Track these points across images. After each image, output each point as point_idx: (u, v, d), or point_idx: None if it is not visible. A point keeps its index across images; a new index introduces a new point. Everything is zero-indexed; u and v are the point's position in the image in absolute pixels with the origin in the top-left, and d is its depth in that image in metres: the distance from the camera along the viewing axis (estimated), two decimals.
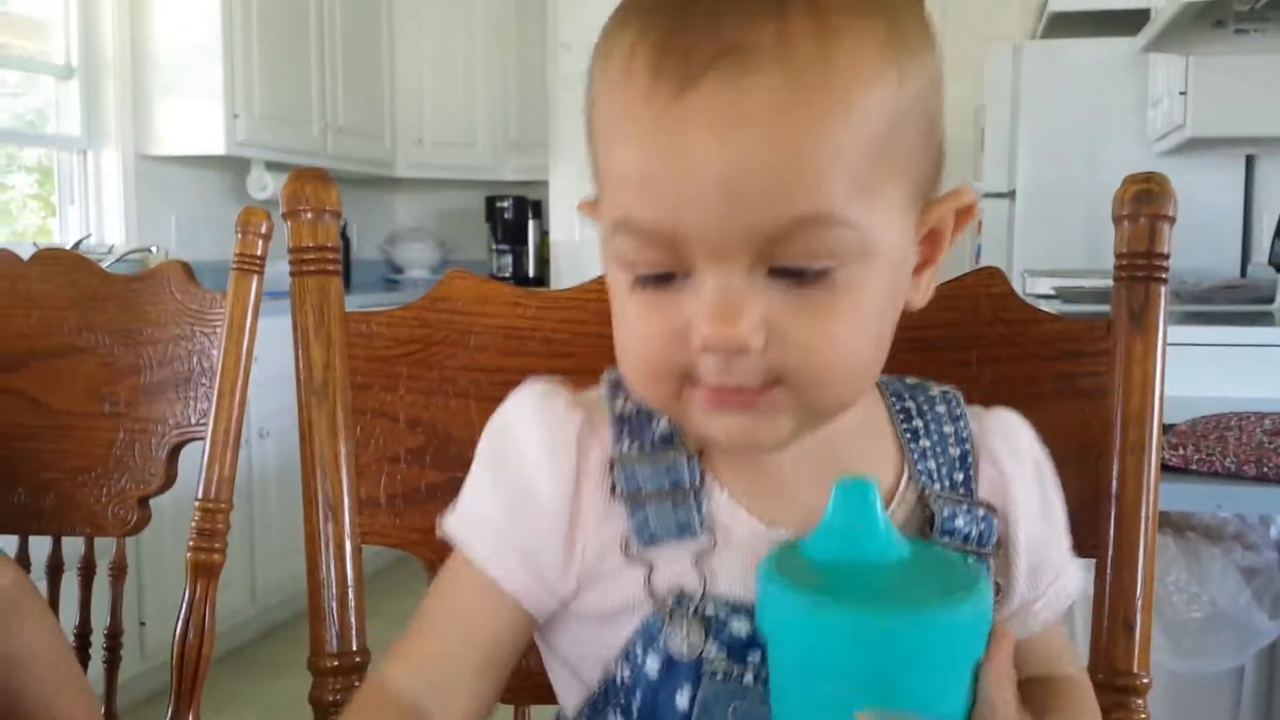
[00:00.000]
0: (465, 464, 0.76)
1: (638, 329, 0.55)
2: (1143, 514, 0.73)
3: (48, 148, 3.51)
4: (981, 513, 0.60)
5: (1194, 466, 1.60)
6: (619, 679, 0.58)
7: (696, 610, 0.56)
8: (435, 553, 0.77)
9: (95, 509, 1.20)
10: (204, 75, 3.58)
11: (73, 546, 1.26)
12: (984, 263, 3.88)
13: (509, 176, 4.84)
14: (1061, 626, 0.65)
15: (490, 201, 4.89)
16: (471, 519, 0.61)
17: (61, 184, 3.53)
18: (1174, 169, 3.84)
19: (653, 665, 0.57)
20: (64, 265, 1.26)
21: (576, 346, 0.80)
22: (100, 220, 3.56)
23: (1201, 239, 3.52)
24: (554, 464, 0.59)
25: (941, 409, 0.63)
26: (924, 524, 0.59)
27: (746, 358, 0.51)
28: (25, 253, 1.28)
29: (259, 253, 1.19)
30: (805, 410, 0.53)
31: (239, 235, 1.19)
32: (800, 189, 0.48)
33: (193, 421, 1.20)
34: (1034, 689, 0.59)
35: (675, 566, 0.57)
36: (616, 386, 0.62)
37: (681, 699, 0.56)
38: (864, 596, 0.47)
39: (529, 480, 0.59)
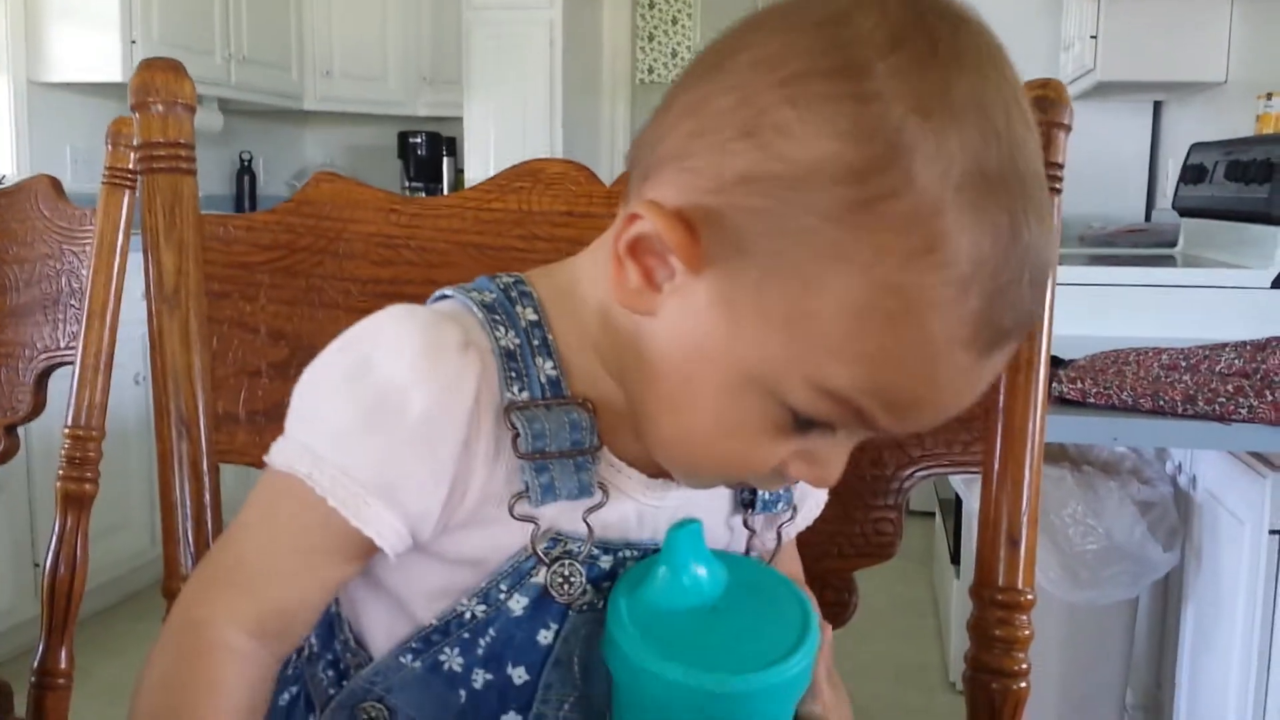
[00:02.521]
0: None
1: (747, 432, 0.51)
2: (1030, 429, 0.72)
3: None
4: None
5: (1091, 399, 1.61)
6: (468, 615, 0.56)
7: (580, 557, 0.56)
8: None
9: None
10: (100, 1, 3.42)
11: None
12: None
13: (422, 112, 4.72)
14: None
15: (403, 137, 4.78)
16: (337, 462, 0.53)
17: None
18: (1084, 113, 3.90)
19: (518, 603, 0.56)
20: None
21: (454, 256, 0.76)
22: None
23: (1109, 183, 3.57)
24: (448, 420, 0.53)
25: None
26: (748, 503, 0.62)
27: None
28: None
29: (131, 166, 1.12)
30: None
31: (108, 147, 1.12)
32: None
33: (62, 345, 1.14)
34: None
35: (562, 519, 0.56)
36: (492, 312, 0.56)
37: (546, 635, 0.56)
38: (707, 658, 0.51)
39: (420, 437, 0.52)
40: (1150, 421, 1.54)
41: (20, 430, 1.19)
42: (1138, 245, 3.10)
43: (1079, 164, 3.82)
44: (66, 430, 1.10)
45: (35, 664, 1.08)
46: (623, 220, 0.51)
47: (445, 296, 0.59)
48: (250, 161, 4.55)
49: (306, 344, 0.73)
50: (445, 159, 4.76)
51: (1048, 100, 0.72)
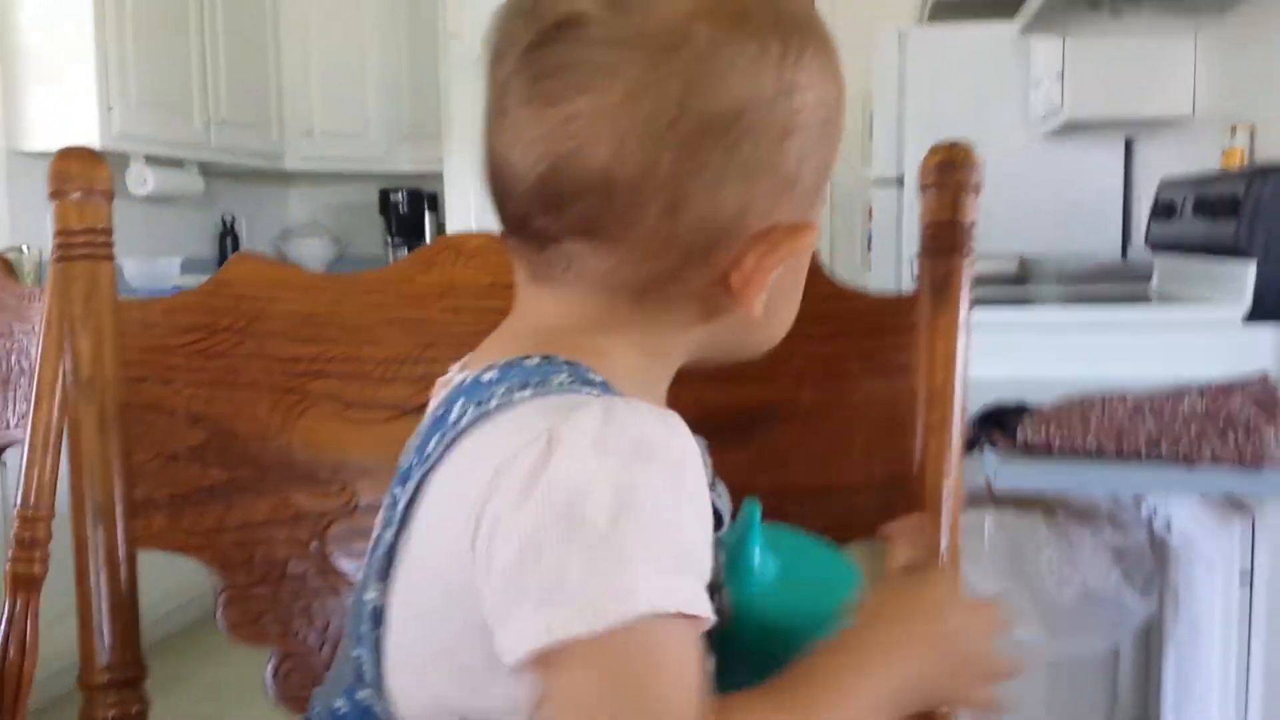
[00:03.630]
0: (250, 460, 0.72)
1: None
2: (944, 493, 0.71)
3: None
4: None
5: (1056, 447, 1.61)
6: None
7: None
8: (217, 558, 0.73)
9: None
10: (76, 66, 3.45)
11: None
12: (875, 248, 3.92)
13: (403, 168, 4.75)
14: None
15: (384, 194, 4.80)
16: (689, 569, 0.48)
17: None
18: (1056, 151, 3.93)
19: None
20: None
21: (379, 332, 0.76)
22: None
23: (1083, 222, 3.59)
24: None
25: None
26: None
27: None
28: None
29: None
30: None
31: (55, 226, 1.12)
32: None
33: (11, 424, 1.13)
34: None
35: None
36: (591, 385, 0.54)
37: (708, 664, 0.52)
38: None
39: (707, 513, 0.51)
40: (1115, 468, 1.54)
41: None
42: (1113, 282, 3.11)
43: (1052, 203, 3.85)
44: (16, 510, 1.10)
45: None
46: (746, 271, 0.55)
47: (490, 383, 0.54)
48: (233, 223, 4.57)
49: (225, 427, 0.73)
50: (427, 214, 4.78)
51: (953, 162, 0.73)
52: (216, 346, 0.73)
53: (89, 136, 3.46)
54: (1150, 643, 1.96)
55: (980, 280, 2.98)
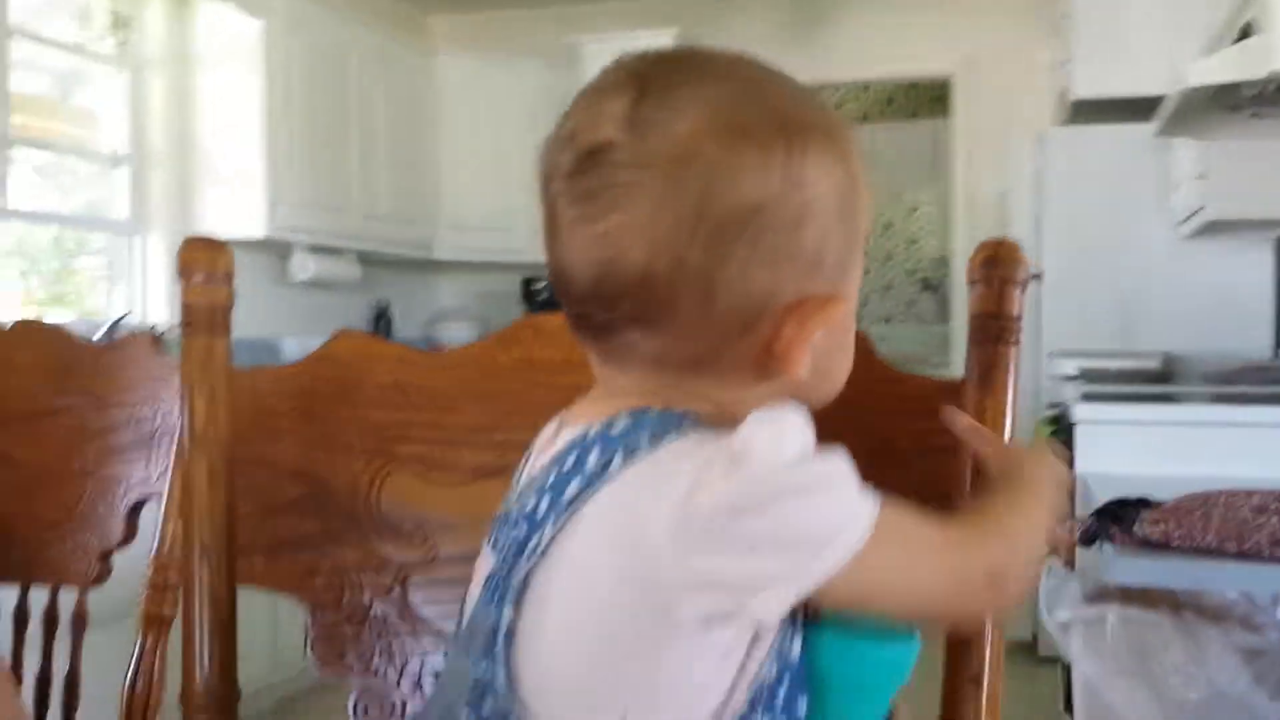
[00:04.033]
0: (343, 514, 0.80)
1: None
2: None
3: (100, 231, 3.68)
4: None
5: (1175, 543, 1.58)
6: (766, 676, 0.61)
7: None
8: (309, 597, 0.80)
9: (62, 562, 1.26)
10: (246, 164, 3.73)
11: (40, 596, 1.31)
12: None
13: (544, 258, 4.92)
14: None
15: (526, 282, 5.00)
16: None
17: (114, 265, 3.69)
18: (1201, 251, 3.82)
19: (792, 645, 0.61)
20: (44, 335, 1.33)
21: (461, 402, 0.83)
22: (145, 299, 3.70)
23: (1232, 320, 3.49)
24: None
25: None
26: None
27: None
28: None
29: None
30: None
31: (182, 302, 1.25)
32: None
33: (154, 479, 1.25)
34: None
35: None
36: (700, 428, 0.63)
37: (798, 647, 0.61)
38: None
39: None
40: (1236, 566, 1.50)
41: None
42: (1260, 383, 3.01)
43: (1199, 301, 3.73)
44: (151, 557, 1.21)
45: None
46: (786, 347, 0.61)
47: (626, 433, 0.61)
48: (387, 307, 4.81)
49: (322, 482, 0.81)
50: None
51: (998, 259, 0.76)
52: (317, 411, 0.82)
53: (257, 228, 3.73)
54: None
55: (1122, 377, 2.94)
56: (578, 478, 0.61)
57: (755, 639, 0.59)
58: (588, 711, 0.60)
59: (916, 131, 6.49)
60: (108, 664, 1.19)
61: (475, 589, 0.65)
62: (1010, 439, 0.76)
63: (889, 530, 0.58)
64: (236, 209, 3.75)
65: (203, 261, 0.80)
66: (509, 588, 0.61)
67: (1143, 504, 1.76)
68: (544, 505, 0.61)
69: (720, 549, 0.55)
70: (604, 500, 0.59)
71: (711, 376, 0.63)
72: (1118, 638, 1.87)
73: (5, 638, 1.28)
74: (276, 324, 4.00)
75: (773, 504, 0.56)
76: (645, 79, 0.61)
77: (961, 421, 0.75)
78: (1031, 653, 3.53)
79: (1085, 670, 1.86)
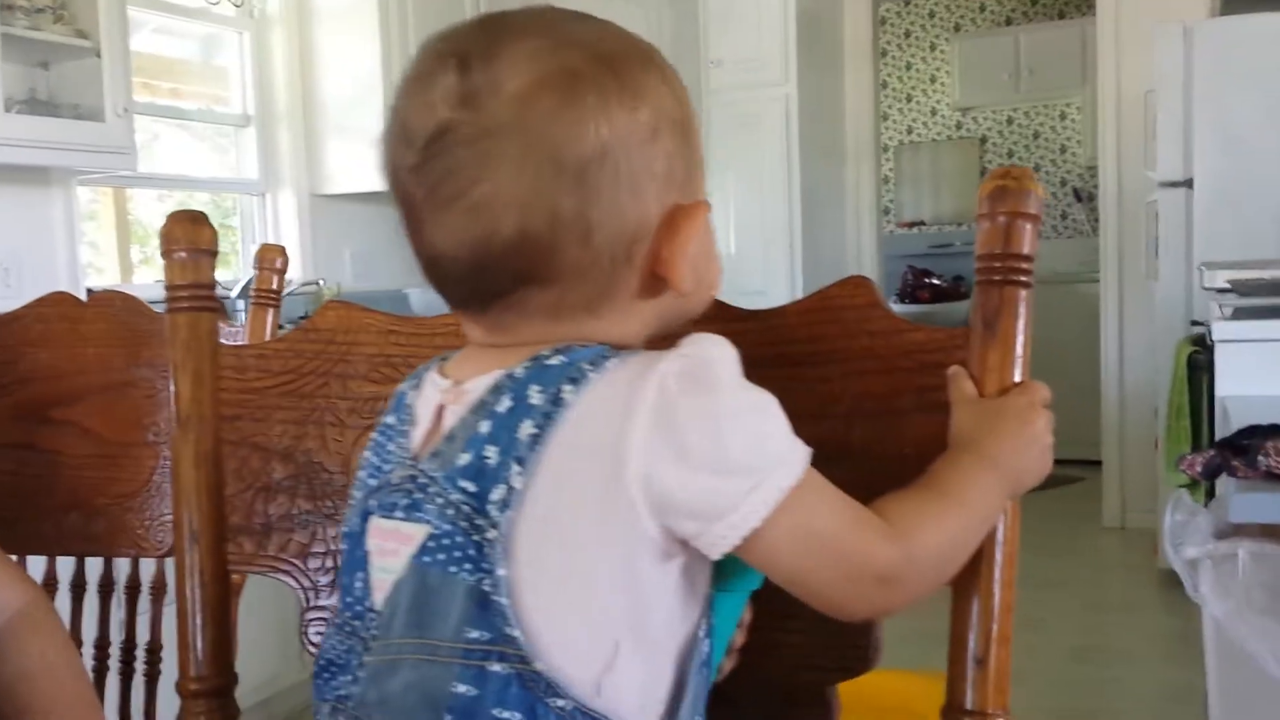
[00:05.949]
0: (334, 493, 0.78)
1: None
2: (997, 540, 0.67)
3: (229, 192, 3.80)
4: None
5: None
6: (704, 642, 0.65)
7: None
8: (301, 580, 0.79)
9: (138, 532, 1.30)
10: (368, 118, 3.78)
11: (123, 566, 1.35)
12: (1162, 256, 3.63)
13: None
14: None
15: None
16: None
17: (244, 225, 3.81)
18: None
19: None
20: (117, 307, 1.36)
21: None
22: None
23: None
24: None
25: None
26: None
27: None
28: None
29: (274, 287, 1.26)
30: None
31: (256, 272, 1.26)
32: None
33: None
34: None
35: None
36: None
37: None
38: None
39: None
40: None
41: None
42: None
43: None
44: None
45: None
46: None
47: (599, 358, 0.62)
48: None
49: (312, 461, 0.79)
50: None
51: (1007, 190, 0.68)
52: (304, 388, 0.80)
53: (378, 181, 3.78)
54: None
55: (1276, 288, 2.71)
56: (527, 418, 0.60)
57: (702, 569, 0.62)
58: (588, 644, 0.59)
59: (1064, 31, 6.14)
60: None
61: (389, 561, 0.61)
62: (1003, 392, 0.69)
63: (815, 479, 0.60)
64: (361, 164, 3.81)
65: (184, 237, 0.79)
66: (487, 544, 0.59)
67: (1276, 430, 1.63)
68: (493, 453, 0.60)
69: (693, 465, 0.58)
70: (569, 430, 0.59)
71: (607, 315, 0.64)
72: (1250, 575, 1.75)
73: (87, 608, 1.33)
74: (406, 276, 4.07)
75: (738, 419, 0.59)
76: (463, 54, 0.62)
77: (950, 371, 0.70)
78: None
79: (1215, 609, 1.74)
